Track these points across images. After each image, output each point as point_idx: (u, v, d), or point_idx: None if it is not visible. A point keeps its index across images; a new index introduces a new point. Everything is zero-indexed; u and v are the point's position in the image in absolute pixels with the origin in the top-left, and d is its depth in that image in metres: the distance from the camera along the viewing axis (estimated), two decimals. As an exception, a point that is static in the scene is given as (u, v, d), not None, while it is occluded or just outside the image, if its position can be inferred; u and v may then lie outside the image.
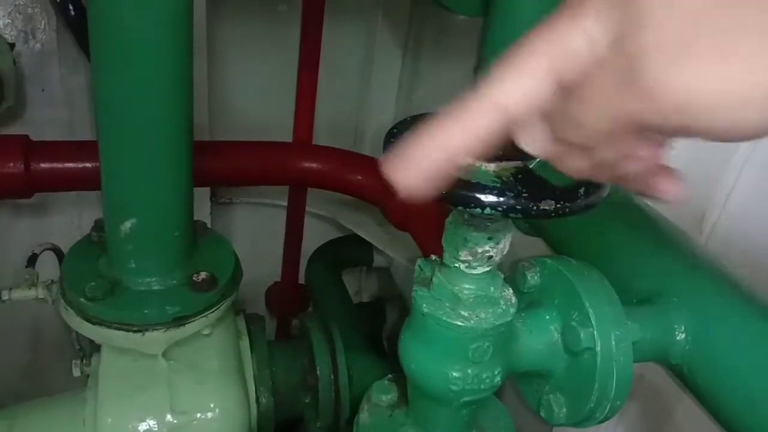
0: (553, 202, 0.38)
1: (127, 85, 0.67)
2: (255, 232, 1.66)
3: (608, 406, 0.50)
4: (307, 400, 0.96)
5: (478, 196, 0.37)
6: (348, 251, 1.69)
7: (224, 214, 1.60)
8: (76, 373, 0.96)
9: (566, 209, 0.38)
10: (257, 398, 0.90)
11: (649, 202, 0.70)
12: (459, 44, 1.43)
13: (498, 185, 0.38)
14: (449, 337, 0.47)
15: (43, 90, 1.34)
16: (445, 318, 0.47)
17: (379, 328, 1.72)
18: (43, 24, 1.30)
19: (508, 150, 0.39)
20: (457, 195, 0.38)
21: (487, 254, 0.45)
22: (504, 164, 0.40)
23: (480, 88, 0.31)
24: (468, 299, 0.47)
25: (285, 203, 1.62)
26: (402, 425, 0.56)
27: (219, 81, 1.45)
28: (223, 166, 1.28)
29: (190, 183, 0.78)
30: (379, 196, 1.34)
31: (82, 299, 0.77)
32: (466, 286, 0.47)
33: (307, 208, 1.63)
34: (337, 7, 1.42)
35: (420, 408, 0.54)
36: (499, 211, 0.37)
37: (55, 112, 1.35)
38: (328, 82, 1.48)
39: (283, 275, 1.70)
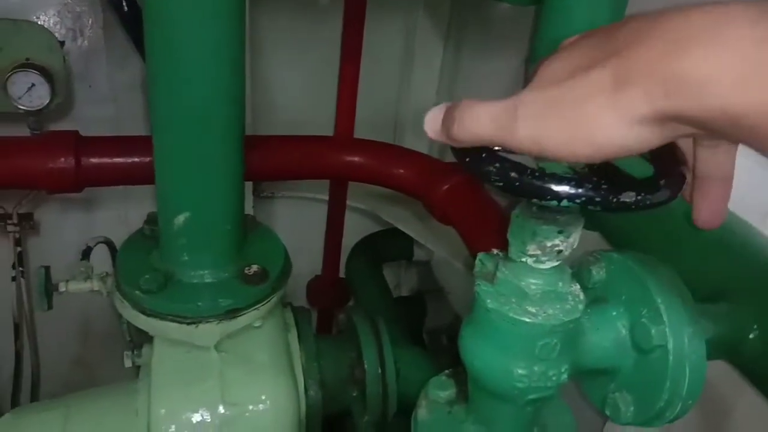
0: (633, 193, 0.36)
1: (181, 80, 0.67)
2: (296, 226, 1.66)
3: (679, 406, 0.48)
4: (354, 394, 0.96)
5: (553, 187, 0.36)
6: (388, 245, 1.69)
7: (266, 208, 1.61)
8: (128, 364, 0.98)
9: (647, 201, 0.37)
10: (306, 391, 0.90)
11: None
12: (501, 35, 1.41)
13: (575, 176, 0.37)
14: (515, 334, 0.46)
15: (90, 87, 1.37)
16: (511, 314, 0.46)
17: (420, 322, 1.71)
18: (90, 22, 1.33)
19: None
20: (531, 186, 0.36)
21: (557, 248, 0.44)
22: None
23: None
24: (535, 295, 0.46)
25: (326, 197, 1.62)
26: (462, 422, 0.55)
27: (261, 77, 1.46)
28: (266, 161, 1.29)
29: (242, 176, 0.78)
30: (422, 189, 1.33)
31: (137, 292, 0.78)
32: (534, 281, 0.46)
33: (347, 202, 1.63)
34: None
35: (481, 405, 0.53)
36: (577, 202, 0.36)
37: (101, 109, 1.37)
38: (368, 75, 1.47)
39: (323, 269, 1.70)
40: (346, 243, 1.68)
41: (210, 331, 0.79)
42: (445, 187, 1.28)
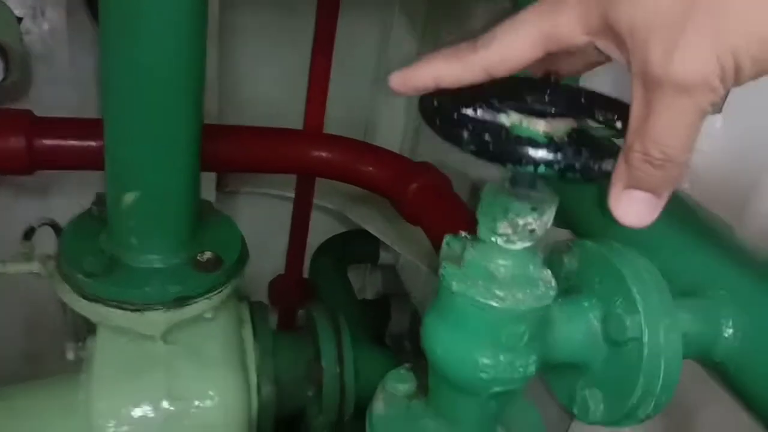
0: (614, 161, 0.33)
1: (135, 45, 0.62)
2: (260, 224, 1.61)
3: (652, 403, 0.45)
4: (310, 393, 0.91)
5: (530, 152, 0.33)
6: (354, 246, 1.66)
7: (230, 203, 1.56)
8: (70, 356, 0.92)
9: None
10: (258, 388, 0.85)
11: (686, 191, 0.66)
12: (478, 33, 1.39)
13: (553, 141, 0.33)
14: (481, 319, 0.42)
15: (50, 69, 1.31)
16: (477, 297, 0.42)
17: (383, 326, 1.67)
18: (53, 1, 1.27)
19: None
20: (506, 150, 0.33)
21: (529, 227, 0.41)
22: (556, 122, 0.35)
23: (476, 41, 0.36)
24: (504, 278, 0.43)
25: (292, 195, 1.58)
26: (421, 417, 0.51)
27: (230, 69, 1.42)
28: (230, 151, 1.24)
29: (197, 156, 0.74)
30: (391, 187, 1.29)
31: (79, 274, 0.73)
32: (503, 262, 0.43)
33: (314, 201, 1.59)
34: (354, -5, 1.39)
35: (442, 399, 0.49)
36: (555, 169, 0.33)
37: (62, 92, 1.31)
38: (340, 73, 1.44)
39: (287, 268, 1.66)
40: (311, 243, 1.65)
41: (156, 319, 0.73)
42: (414, 186, 1.25)
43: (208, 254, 0.77)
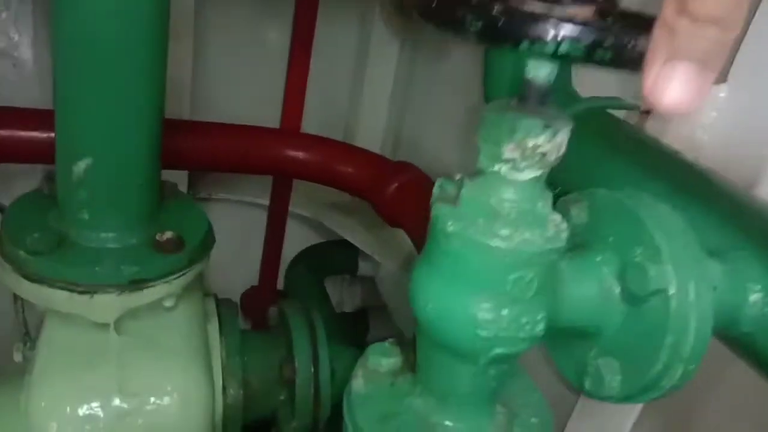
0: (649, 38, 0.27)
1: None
2: (233, 233, 1.53)
3: (680, 371, 0.38)
4: (282, 397, 0.83)
5: (549, 25, 0.27)
6: (332, 257, 1.59)
7: (201, 209, 1.48)
8: (17, 358, 0.82)
9: None
10: (224, 389, 0.77)
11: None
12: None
13: (574, 19, 0.27)
14: (481, 264, 0.36)
15: (14, 66, 1.24)
16: (478, 237, 0.35)
17: (362, 339, 1.59)
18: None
19: None
20: (518, 25, 0.27)
21: (540, 150, 0.34)
22: (575, 7, 0.29)
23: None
24: (509, 214, 0.36)
25: (266, 202, 1.51)
26: (407, 395, 0.44)
27: (204, 68, 1.36)
28: (200, 148, 1.17)
29: (159, 122, 0.66)
30: (370, 188, 1.23)
31: (21, 252, 0.64)
32: (508, 195, 0.36)
33: (290, 209, 1.52)
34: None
35: (432, 370, 0.42)
36: (581, 47, 0.27)
37: (26, 90, 1.24)
38: (319, 74, 1.40)
39: (261, 279, 1.58)
40: (286, 254, 1.57)
41: (108, 303, 0.65)
42: (394, 185, 1.19)
43: (168, 234, 0.69)
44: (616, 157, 0.60)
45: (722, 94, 0.67)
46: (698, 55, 0.26)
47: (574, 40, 0.27)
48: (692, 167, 0.57)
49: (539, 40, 0.27)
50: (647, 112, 0.73)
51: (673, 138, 0.67)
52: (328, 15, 1.37)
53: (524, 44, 0.27)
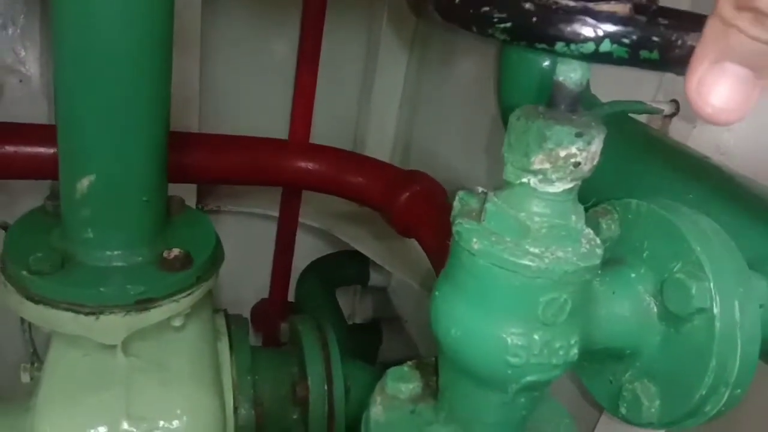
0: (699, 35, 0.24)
1: (91, 10, 0.54)
2: (243, 245, 1.52)
3: (726, 395, 0.35)
4: (295, 416, 0.80)
5: (588, 22, 0.24)
6: (343, 268, 1.57)
7: (211, 223, 1.46)
8: (25, 379, 0.80)
9: None
10: (236, 409, 0.74)
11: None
12: (466, 47, 1.33)
13: (615, 15, 0.25)
14: (510, 286, 0.33)
15: (21, 81, 1.23)
16: (506, 256, 0.33)
17: (374, 353, 1.57)
18: (25, 11, 1.20)
19: None
20: (554, 22, 0.24)
21: (573, 160, 0.32)
22: (612, 4, 0.27)
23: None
24: (540, 230, 0.33)
25: (276, 213, 1.49)
26: (429, 423, 0.41)
27: (212, 82, 1.35)
28: (210, 160, 1.15)
29: (164, 139, 0.64)
30: (381, 198, 1.21)
31: (24, 272, 0.62)
32: (538, 210, 0.33)
33: (300, 220, 1.50)
34: (340, 4, 1.33)
35: (457, 398, 0.39)
36: (626, 45, 0.24)
37: (33, 107, 1.23)
38: (327, 85, 1.38)
39: (271, 291, 1.55)
40: (296, 265, 1.55)
41: (114, 324, 0.63)
42: (406, 194, 1.16)
43: (176, 252, 0.67)
44: (644, 164, 0.57)
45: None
46: (752, 58, 0.23)
47: (616, 38, 0.24)
48: (725, 172, 0.54)
49: (578, 39, 0.24)
50: (670, 116, 0.70)
51: (698, 142, 0.64)
52: (335, 25, 1.35)
53: (560, 45, 0.25)
